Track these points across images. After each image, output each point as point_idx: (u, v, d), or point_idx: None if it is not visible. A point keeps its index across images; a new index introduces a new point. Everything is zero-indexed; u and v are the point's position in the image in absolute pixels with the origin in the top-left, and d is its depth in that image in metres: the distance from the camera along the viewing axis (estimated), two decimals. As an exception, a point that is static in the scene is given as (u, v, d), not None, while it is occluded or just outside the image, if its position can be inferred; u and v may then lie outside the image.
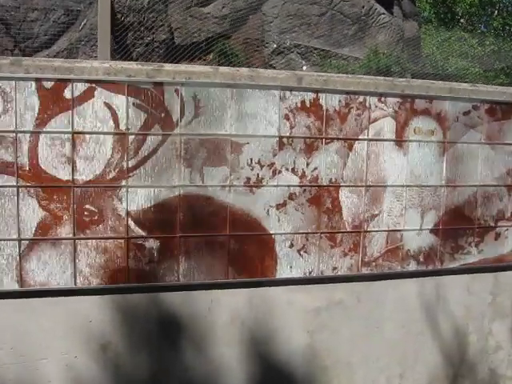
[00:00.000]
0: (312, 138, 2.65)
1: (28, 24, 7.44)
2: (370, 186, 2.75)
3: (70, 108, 2.33)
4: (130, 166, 2.41)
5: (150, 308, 2.55)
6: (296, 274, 2.71)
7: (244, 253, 2.62)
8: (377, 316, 2.88)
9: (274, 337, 2.73)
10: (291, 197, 2.64)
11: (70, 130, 2.35)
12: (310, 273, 2.72)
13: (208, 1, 7.94)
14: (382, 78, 2.76)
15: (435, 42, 8.63)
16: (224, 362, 2.67)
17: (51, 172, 2.33)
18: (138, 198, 2.44)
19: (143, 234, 2.46)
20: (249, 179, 2.58)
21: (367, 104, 2.71)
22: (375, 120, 2.72)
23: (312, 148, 2.65)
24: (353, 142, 2.71)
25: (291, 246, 2.67)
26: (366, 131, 2.71)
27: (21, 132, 2.29)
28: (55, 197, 2.35)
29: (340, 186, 2.71)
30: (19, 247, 2.33)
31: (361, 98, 2.70)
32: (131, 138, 2.40)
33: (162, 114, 2.43)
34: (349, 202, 2.73)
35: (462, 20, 11.74)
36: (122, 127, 2.39)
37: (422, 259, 2.90)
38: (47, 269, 2.38)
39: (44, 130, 2.30)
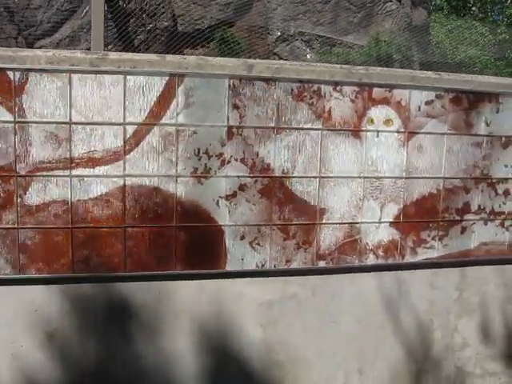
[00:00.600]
0: (263, 128, 2.58)
1: (31, 11, 7.48)
2: (324, 177, 2.68)
3: (11, 97, 2.30)
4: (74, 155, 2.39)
5: (99, 298, 2.54)
6: (248, 266, 2.66)
7: (193, 244, 2.58)
8: (333, 310, 2.82)
9: (226, 329, 2.70)
10: (242, 188, 2.59)
11: (12, 119, 2.33)
12: (262, 265, 2.67)
13: (212, -13, 7.88)
14: (339, 65, 2.68)
15: (445, 30, 8.41)
16: (175, 352, 2.65)
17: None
18: (84, 187, 2.41)
19: (89, 224, 2.44)
20: (196, 169, 2.53)
21: (322, 93, 2.63)
22: (330, 109, 2.64)
23: (263, 138, 2.59)
24: (306, 132, 2.63)
25: (242, 237, 2.63)
26: (320, 120, 2.63)
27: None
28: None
29: (293, 177, 2.64)
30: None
31: (315, 87, 2.62)
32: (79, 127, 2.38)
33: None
34: (303, 193, 2.66)
35: (474, 8, 11.41)
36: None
37: (381, 253, 2.82)
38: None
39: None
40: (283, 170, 2.63)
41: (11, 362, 2.47)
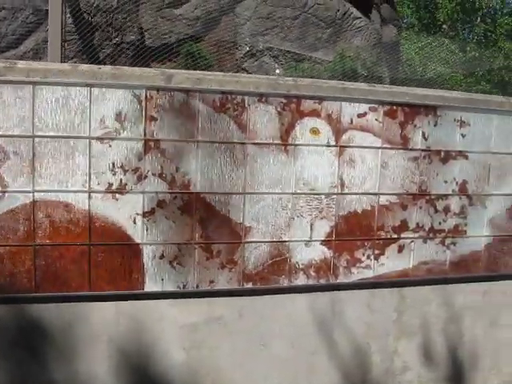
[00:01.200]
0: (183, 141, 2.45)
1: (-5, 23, 7.34)
2: (251, 193, 2.55)
3: None
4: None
5: (8, 321, 2.38)
6: (168, 287, 2.52)
7: (109, 264, 2.43)
8: (263, 332, 2.68)
9: (148, 353, 2.55)
10: (160, 204, 2.46)
11: None
12: (184, 286, 2.53)
13: (180, 2, 7.81)
14: (265, 77, 2.57)
15: (414, 47, 8.37)
16: (92, 376, 2.48)
17: None
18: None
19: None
20: (111, 185, 2.39)
21: (246, 104, 2.51)
22: (255, 122, 2.52)
23: (183, 152, 2.46)
24: (231, 146, 2.51)
25: (162, 257, 2.49)
26: (244, 133, 2.51)
27: None
28: None
29: (216, 194, 2.51)
30: None
31: (239, 98, 2.50)
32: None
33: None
34: (227, 210, 2.53)
35: (444, 26, 11.42)
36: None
37: (312, 273, 2.69)
38: None
39: None
40: (205, 185, 2.49)
41: None
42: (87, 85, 2.35)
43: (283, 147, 2.57)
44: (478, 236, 2.95)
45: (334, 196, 2.67)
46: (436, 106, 2.81)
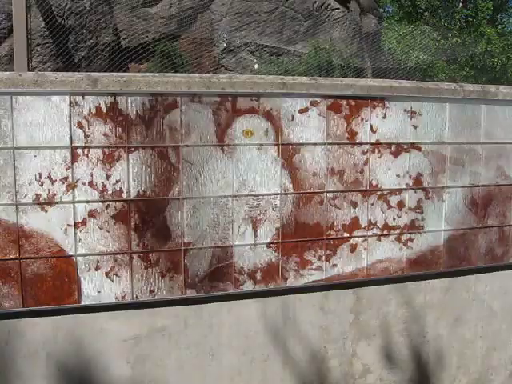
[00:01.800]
0: (112, 147, 2.34)
1: (-30, 29, 7.27)
2: (188, 198, 2.44)
3: None
4: None
5: None
6: (106, 299, 2.41)
7: (42, 278, 2.33)
8: (211, 342, 2.57)
9: (90, 368, 2.45)
10: (92, 214, 2.35)
11: None
12: (122, 297, 2.42)
13: (155, 1, 7.70)
14: (198, 75, 2.44)
15: (396, 36, 8.20)
16: (31, 398, 2.38)
17: None
18: None
19: None
20: (39, 196, 2.28)
21: (178, 105, 2.39)
22: (189, 123, 2.41)
23: (113, 158, 2.35)
24: (163, 149, 2.40)
25: (97, 268, 2.38)
26: (178, 136, 2.40)
27: None
28: None
29: (151, 200, 2.40)
30: None
31: (170, 99, 2.39)
32: None
33: None
34: (164, 216, 2.42)
35: (425, 13, 11.23)
36: None
37: (259, 277, 2.57)
38: None
39: None
40: (139, 192, 2.39)
41: None
42: (9, 93, 2.23)
43: (220, 148, 2.45)
44: (437, 231, 2.83)
45: (278, 196, 2.54)
46: (384, 97, 2.68)
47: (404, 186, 2.75)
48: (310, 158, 2.59)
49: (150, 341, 2.50)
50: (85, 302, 2.41)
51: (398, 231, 2.76)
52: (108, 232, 2.38)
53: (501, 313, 3.05)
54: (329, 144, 2.60)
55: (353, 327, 2.77)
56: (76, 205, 2.35)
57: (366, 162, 2.67)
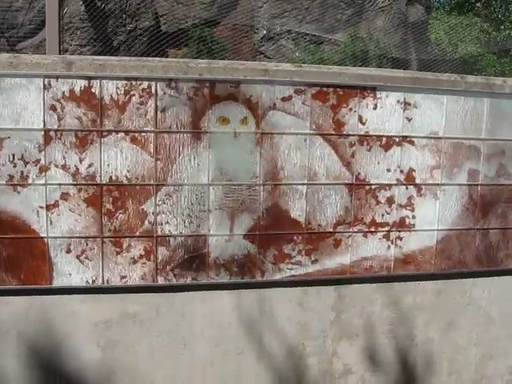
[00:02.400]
0: (86, 131, 2.33)
1: (13, 13, 7.48)
2: (162, 185, 2.40)
3: None
4: None
5: None
6: (77, 282, 2.42)
7: (15, 258, 2.36)
8: (184, 332, 2.54)
9: (60, 350, 2.47)
10: (64, 197, 2.35)
11: None
12: (93, 281, 2.42)
13: (195, -14, 7.68)
14: (175, 60, 2.40)
15: (444, 27, 7.82)
16: (1, 372, 2.43)
17: None
18: None
19: None
20: (12, 177, 2.31)
21: (153, 91, 2.35)
22: (165, 108, 2.37)
23: (86, 142, 2.34)
24: (137, 135, 2.37)
25: (68, 251, 2.39)
26: (153, 122, 2.36)
27: None
28: None
29: (124, 185, 2.38)
30: None
31: (145, 84, 2.35)
32: None
33: None
34: (137, 202, 2.40)
35: (478, 4, 10.64)
36: None
37: (235, 269, 2.52)
38: None
39: None
40: (111, 177, 2.37)
41: None
42: (-18, 74, 2.25)
43: (196, 135, 2.40)
44: (429, 230, 2.68)
45: (256, 187, 2.47)
46: (375, 87, 2.54)
47: (394, 182, 2.61)
48: (293, 147, 2.49)
49: (121, 326, 2.49)
50: (56, 283, 2.41)
51: (386, 228, 2.64)
52: (80, 215, 2.38)
53: (500, 320, 2.87)
54: (312, 134, 2.49)
55: (334, 325, 2.67)
56: (48, 187, 2.34)
57: (353, 155, 2.55)
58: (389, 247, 2.65)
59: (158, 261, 2.46)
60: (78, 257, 2.41)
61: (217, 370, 2.60)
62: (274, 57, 7.40)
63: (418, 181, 2.63)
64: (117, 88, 2.35)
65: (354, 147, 2.55)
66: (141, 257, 2.44)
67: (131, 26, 7.37)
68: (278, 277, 2.57)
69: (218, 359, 2.59)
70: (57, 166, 2.35)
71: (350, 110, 2.53)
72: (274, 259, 2.55)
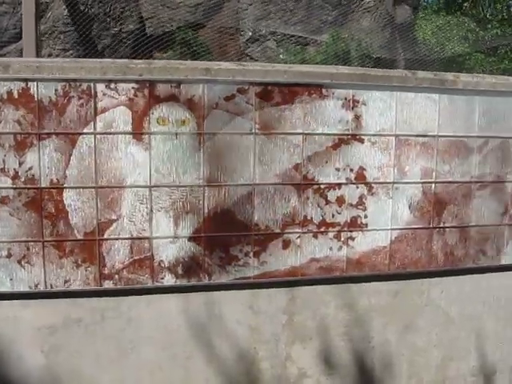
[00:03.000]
0: (24, 134, 2.30)
1: (-4, 18, 7.48)
2: (102, 187, 2.37)
3: None
4: None
5: None
6: (19, 287, 2.39)
7: (-44, 263, 2.33)
8: (131, 336, 2.50)
9: (2, 355, 2.43)
10: (4, 201, 2.33)
11: None
12: (35, 286, 2.39)
13: (181, -11, 7.67)
14: (112, 60, 2.37)
15: (431, 27, 7.76)
16: None
17: None
18: None
19: None
20: (-51, 181, 2.28)
21: (92, 92, 2.33)
22: (104, 110, 2.34)
23: (25, 145, 2.32)
24: (76, 137, 2.34)
25: (9, 255, 2.36)
26: (92, 124, 2.33)
27: None
28: None
29: (64, 188, 2.35)
30: None
31: (84, 86, 2.32)
32: None
33: None
34: (77, 205, 2.37)
35: (465, 4, 10.56)
36: None
37: (181, 272, 2.48)
38: None
39: None
40: (52, 180, 2.34)
41: None
42: None
43: (137, 136, 2.36)
44: (382, 229, 2.62)
45: (200, 188, 2.43)
46: (321, 85, 2.50)
47: (344, 181, 2.56)
48: (236, 147, 2.45)
49: (65, 331, 2.46)
50: (-2, 289, 2.38)
51: (337, 228, 2.58)
52: (20, 219, 2.35)
53: (459, 320, 2.80)
54: (257, 134, 2.45)
55: (286, 329, 2.62)
56: (-13, 191, 2.31)
57: (300, 154, 2.50)
58: (340, 248, 2.59)
59: (102, 265, 2.42)
60: (19, 261, 2.39)
61: (165, 374, 2.55)
62: (260, 58, 7.37)
63: (368, 179, 2.57)
64: (55, 90, 2.32)
65: (300, 146, 2.50)
66: (84, 260, 2.41)
67: (116, 29, 7.36)
68: (225, 279, 2.52)
69: (166, 363, 2.55)
70: (-5, 170, 2.31)
71: (296, 108, 2.48)
72: (220, 261, 2.50)
